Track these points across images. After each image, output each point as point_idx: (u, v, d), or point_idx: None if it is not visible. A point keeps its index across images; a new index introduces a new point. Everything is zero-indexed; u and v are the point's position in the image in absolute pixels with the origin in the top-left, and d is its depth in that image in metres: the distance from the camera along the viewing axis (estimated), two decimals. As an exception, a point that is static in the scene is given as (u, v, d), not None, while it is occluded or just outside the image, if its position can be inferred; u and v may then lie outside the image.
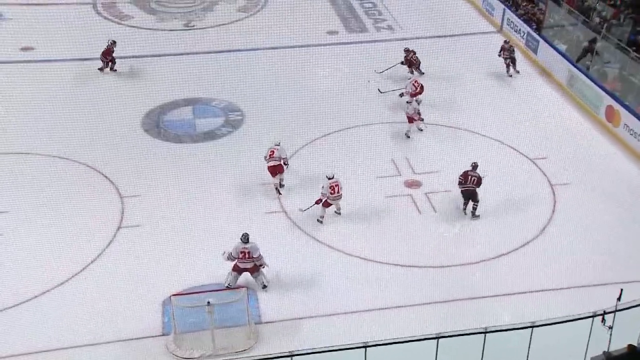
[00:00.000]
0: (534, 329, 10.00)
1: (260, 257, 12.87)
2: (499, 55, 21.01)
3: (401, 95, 19.26)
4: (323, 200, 14.59)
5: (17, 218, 14.66)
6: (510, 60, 20.95)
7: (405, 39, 22.89)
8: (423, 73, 20.70)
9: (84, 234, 14.32)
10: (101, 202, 15.20)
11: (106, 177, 16.03)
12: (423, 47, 21.53)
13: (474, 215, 14.93)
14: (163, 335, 12.07)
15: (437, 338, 9.80)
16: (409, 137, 17.88)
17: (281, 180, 15.67)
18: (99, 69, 20.43)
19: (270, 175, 15.43)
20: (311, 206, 14.70)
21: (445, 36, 23.26)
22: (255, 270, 12.93)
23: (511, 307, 12.72)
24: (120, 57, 20.80)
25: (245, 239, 12.76)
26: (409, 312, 12.60)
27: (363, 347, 9.80)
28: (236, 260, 12.80)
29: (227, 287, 12.76)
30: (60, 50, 21.03)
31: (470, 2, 26.51)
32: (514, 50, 21.02)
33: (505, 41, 21.39)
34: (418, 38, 22.84)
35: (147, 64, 20.73)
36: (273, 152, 15.40)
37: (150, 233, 14.38)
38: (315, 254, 13.98)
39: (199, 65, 20.77)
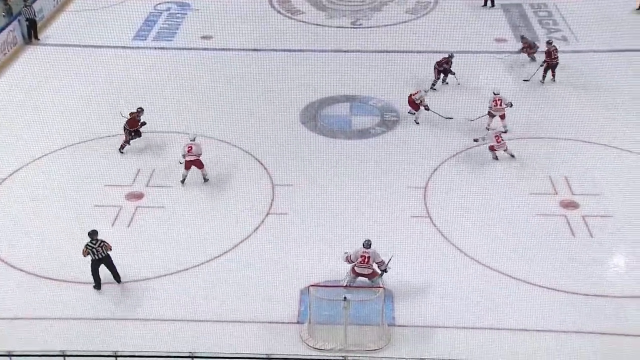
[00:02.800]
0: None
1: (382, 263, 12.65)
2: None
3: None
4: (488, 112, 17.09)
5: (178, 193, 15.75)
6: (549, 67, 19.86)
7: (579, 51, 21.60)
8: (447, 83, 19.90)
9: (236, 215, 15.08)
10: (254, 187, 15.91)
11: (261, 163, 16.75)
12: (596, 61, 20.17)
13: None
14: (298, 323, 12.40)
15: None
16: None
17: (204, 175, 15.89)
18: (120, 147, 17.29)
19: (184, 168, 15.74)
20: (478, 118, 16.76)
21: (623, 50, 21.63)
22: (373, 276, 12.74)
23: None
24: (288, 50, 21.63)
25: (367, 244, 12.64)
26: (549, 338, 11.95)
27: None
28: (354, 264, 12.71)
29: (347, 285, 12.70)
30: (235, 41, 22.37)
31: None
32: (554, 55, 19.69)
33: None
34: (594, 51, 21.46)
35: (312, 59, 21.32)
36: (191, 147, 15.64)
37: (297, 222, 14.82)
38: (458, 264, 13.66)
39: (361, 64, 21.07)
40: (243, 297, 12.95)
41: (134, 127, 17.05)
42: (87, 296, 12.94)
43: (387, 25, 24.30)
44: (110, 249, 12.82)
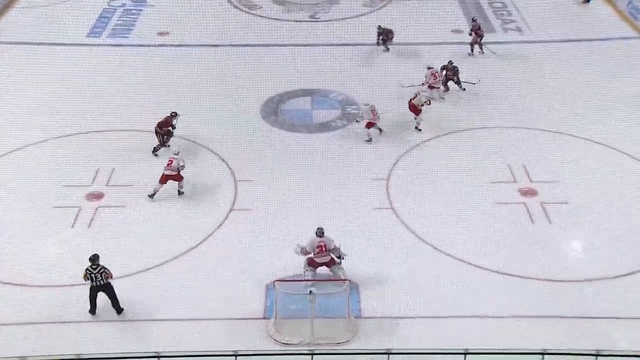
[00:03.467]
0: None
1: (337, 249, 12.74)
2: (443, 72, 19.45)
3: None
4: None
5: (139, 192, 15.50)
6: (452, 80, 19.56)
7: (534, 42, 21.99)
8: (464, 89, 19.50)
9: (198, 213, 14.94)
10: (216, 184, 15.77)
11: (223, 159, 16.61)
12: (552, 51, 20.57)
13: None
14: (264, 318, 12.34)
15: (543, 354, 9.35)
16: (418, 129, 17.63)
17: (180, 187, 15.43)
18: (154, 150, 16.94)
19: (159, 182, 15.23)
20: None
21: (578, 40, 22.11)
22: (332, 263, 12.80)
23: (629, 333, 11.92)
24: (246, 45, 21.48)
25: (320, 232, 12.69)
26: (513, 323, 12.15)
27: (463, 353, 9.53)
28: (312, 255, 12.71)
29: (311, 279, 12.66)
30: (192, 36, 22.10)
31: (611, 4, 24.99)
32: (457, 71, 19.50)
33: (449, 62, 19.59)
34: (547, 41, 21.88)
35: (271, 53, 21.21)
36: (171, 161, 15.24)
37: (260, 217, 14.74)
38: (421, 254, 13.78)
39: (320, 57, 21.06)
40: (208, 294, 12.82)
41: (164, 127, 16.73)
42: (45, 299, 12.64)
43: (345, 18, 24.34)
44: (111, 277, 12.10)
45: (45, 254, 13.80)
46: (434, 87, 18.92)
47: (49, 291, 12.83)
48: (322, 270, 12.86)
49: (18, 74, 19.79)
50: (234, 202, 15.23)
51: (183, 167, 15.33)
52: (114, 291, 12.22)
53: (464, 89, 19.33)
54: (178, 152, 15.60)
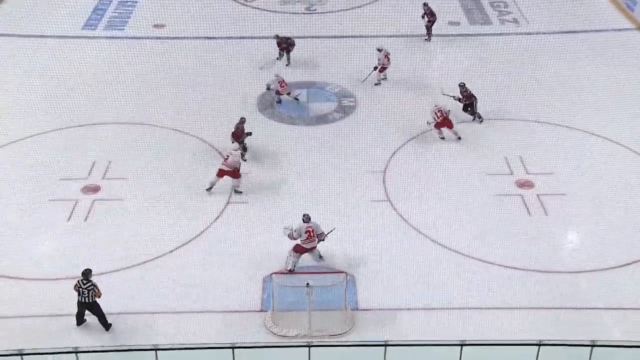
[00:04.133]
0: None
1: (322, 234, 12.94)
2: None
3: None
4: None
5: (136, 185, 15.51)
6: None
7: (530, 34, 21.96)
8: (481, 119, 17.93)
9: (195, 205, 14.92)
10: (213, 177, 15.73)
11: (220, 153, 16.58)
12: (549, 43, 20.56)
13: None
14: (262, 311, 12.37)
15: (539, 345, 9.39)
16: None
17: (236, 186, 15.10)
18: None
19: (216, 175, 15.03)
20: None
21: (575, 32, 22.10)
22: (314, 248, 13.01)
23: (624, 323, 11.98)
24: (242, 38, 21.44)
25: (307, 218, 12.85)
26: (509, 314, 12.21)
27: (460, 345, 9.58)
28: (299, 240, 12.80)
29: (290, 270, 12.81)
30: (188, 29, 22.02)
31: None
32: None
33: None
34: (544, 33, 21.86)
35: (267, 45, 21.16)
36: (228, 156, 15.01)
37: (257, 211, 14.75)
38: (419, 247, 13.81)
39: (316, 50, 21.01)
40: (205, 287, 12.84)
41: (238, 138, 16.16)
42: (42, 293, 12.64)
43: (342, 10, 24.25)
44: (99, 296, 11.72)
45: (42, 248, 13.78)
46: (385, 68, 19.44)
47: (45, 284, 12.83)
48: (305, 258, 12.94)
49: (12, 66, 19.71)
50: (230, 195, 15.23)
51: (239, 163, 15.03)
52: (100, 310, 11.85)
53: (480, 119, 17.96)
54: (238, 149, 15.39)
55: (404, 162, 16.31)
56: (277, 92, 18.51)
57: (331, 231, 13.19)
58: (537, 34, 21.99)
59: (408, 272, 13.15)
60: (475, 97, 17.69)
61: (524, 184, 15.60)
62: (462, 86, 17.67)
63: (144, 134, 17.21)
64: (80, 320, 12.00)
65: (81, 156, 16.38)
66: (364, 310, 12.38)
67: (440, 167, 16.02)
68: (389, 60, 19.37)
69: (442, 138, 17.02)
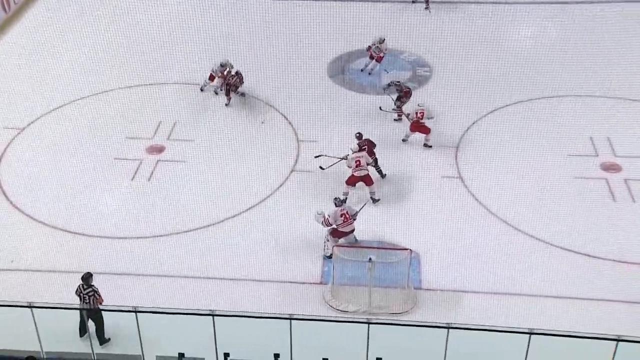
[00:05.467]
0: None
1: (356, 214, 12.80)
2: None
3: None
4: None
5: (200, 147, 15.74)
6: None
7: (627, 1, 20.82)
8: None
9: (259, 172, 15.03)
10: (278, 143, 15.83)
11: (286, 118, 16.62)
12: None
13: None
14: (321, 283, 12.43)
15: (617, 340, 9.06)
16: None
17: (372, 194, 14.07)
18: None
19: (347, 183, 13.99)
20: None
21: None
22: (352, 231, 12.86)
23: None
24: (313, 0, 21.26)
25: (339, 202, 12.73)
26: (583, 305, 11.86)
27: (528, 333, 9.35)
28: (336, 225, 12.64)
29: (329, 256, 12.63)
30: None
31: None
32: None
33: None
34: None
35: (342, 8, 20.90)
36: (359, 161, 13.84)
37: (322, 180, 14.71)
38: (490, 228, 13.53)
39: (393, 15, 20.63)
40: (265, 256, 12.99)
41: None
42: (105, 250, 13.11)
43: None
44: (101, 303, 11.04)
45: (104, 206, 14.23)
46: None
47: (106, 242, 13.28)
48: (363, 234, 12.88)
49: (83, 23, 20.22)
50: (295, 163, 15.27)
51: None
52: (102, 320, 11.15)
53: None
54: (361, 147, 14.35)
55: (479, 138, 15.92)
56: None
57: (363, 206, 13.04)
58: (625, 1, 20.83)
59: (477, 254, 12.92)
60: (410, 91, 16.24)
61: (610, 167, 14.97)
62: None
63: (210, 96, 17.41)
64: (83, 330, 11.22)
65: (147, 116, 16.75)
66: (427, 290, 12.26)
67: (518, 145, 15.52)
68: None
69: (404, 140, 15.60)
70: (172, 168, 15.26)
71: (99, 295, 11.03)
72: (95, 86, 17.84)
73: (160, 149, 15.79)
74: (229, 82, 16.94)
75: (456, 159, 15.33)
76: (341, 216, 12.69)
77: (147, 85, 17.99)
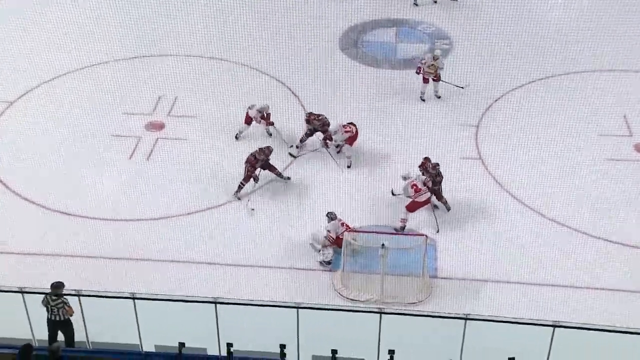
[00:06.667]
0: None
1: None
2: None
3: None
4: None
5: (204, 124, 15.79)
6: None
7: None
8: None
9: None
10: (286, 120, 15.76)
11: (294, 94, 16.58)
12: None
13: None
14: (330, 270, 12.48)
15: (644, 334, 9.08)
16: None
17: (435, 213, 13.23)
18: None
19: (408, 211, 13.13)
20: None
21: None
22: None
23: None
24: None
25: (332, 216, 12.63)
26: (612, 297, 11.86)
27: (552, 326, 9.37)
28: (338, 235, 12.53)
29: (329, 262, 12.55)
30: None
31: None
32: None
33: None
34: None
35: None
36: (416, 185, 12.99)
37: (333, 160, 14.71)
38: (511, 213, 13.52)
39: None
40: (271, 240, 13.05)
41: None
42: (102, 233, 13.19)
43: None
44: (71, 315, 10.57)
45: (101, 186, 14.28)
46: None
47: (102, 224, 13.36)
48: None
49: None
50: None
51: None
52: (73, 332, 10.73)
53: None
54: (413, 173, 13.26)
55: (502, 116, 15.84)
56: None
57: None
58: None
59: (497, 240, 12.92)
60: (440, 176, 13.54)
61: (645, 148, 14.92)
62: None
63: (213, 70, 17.39)
64: (51, 340, 10.66)
65: (147, 90, 16.71)
66: (443, 278, 12.28)
67: (544, 124, 15.47)
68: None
69: (436, 207, 13.56)
70: (173, 146, 15.30)
71: (69, 307, 10.55)
72: (90, 57, 17.85)
73: (160, 126, 15.83)
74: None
75: (476, 138, 15.28)
76: (342, 225, 12.64)
77: (146, 57, 17.99)
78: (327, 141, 14.67)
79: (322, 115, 14.83)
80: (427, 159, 13.49)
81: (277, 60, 17.55)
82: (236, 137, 15.31)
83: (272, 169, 14.09)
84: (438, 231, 13.12)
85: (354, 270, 12.21)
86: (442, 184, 13.36)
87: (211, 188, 14.11)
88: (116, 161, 14.87)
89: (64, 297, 10.58)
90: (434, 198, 13.33)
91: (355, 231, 12.64)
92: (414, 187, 13.02)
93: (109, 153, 15.07)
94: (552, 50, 17.62)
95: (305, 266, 12.56)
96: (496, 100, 16.29)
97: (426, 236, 12.17)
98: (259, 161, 13.83)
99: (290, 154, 14.84)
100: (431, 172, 13.23)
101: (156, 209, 13.67)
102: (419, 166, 13.42)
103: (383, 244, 11.59)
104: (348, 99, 16.35)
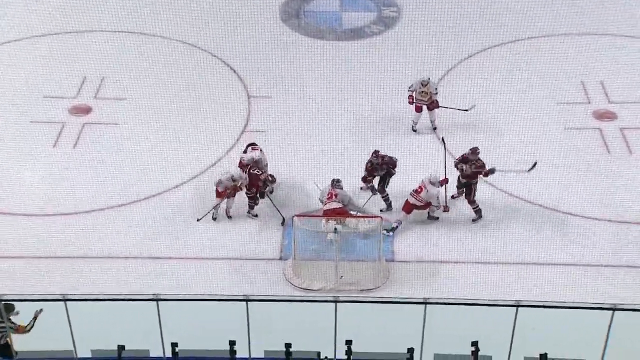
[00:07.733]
0: None
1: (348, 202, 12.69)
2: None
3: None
4: None
5: (135, 107, 15.55)
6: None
7: None
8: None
9: (204, 134, 14.87)
10: (226, 100, 15.67)
11: (234, 70, 16.46)
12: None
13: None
14: (281, 259, 12.47)
15: (613, 310, 9.32)
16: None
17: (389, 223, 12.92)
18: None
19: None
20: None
21: None
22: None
23: None
24: None
25: (335, 182, 12.65)
26: (575, 272, 12.11)
27: (514, 306, 9.54)
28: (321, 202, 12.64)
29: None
30: None
31: None
32: None
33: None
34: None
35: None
36: (331, 195, 12.61)
37: (277, 141, 14.67)
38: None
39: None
40: (215, 230, 12.96)
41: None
42: (25, 230, 12.89)
43: None
44: (21, 331, 10.19)
45: (23, 178, 13.96)
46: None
47: (25, 221, 13.05)
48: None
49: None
50: (247, 123, 15.20)
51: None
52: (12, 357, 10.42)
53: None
54: (340, 181, 12.83)
55: (455, 86, 16.00)
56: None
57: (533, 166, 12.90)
58: None
59: (455, 220, 13.08)
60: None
61: (604, 115, 15.27)
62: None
63: (143, 46, 17.13)
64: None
65: (69, 70, 16.33)
66: (401, 262, 12.38)
67: (499, 91, 15.66)
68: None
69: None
70: (101, 132, 15.02)
71: (16, 327, 10.17)
72: (3, 34, 17.33)
73: (86, 110, 15.53)
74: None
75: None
76: (330, 197, 12.51)
77: (68, 33, 17.54)
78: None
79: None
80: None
81: (211, 34, 17.35)
82: (213, 218, 13.30)
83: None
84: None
85: (305, 258, 12.21)
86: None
87: (146, 176, 13.90)
88: (38, 151, 14.51)
89: (12, 322, 10.21)
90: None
91: (306, 215, 12.61)
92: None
93: (28, 142, 14.68)
94: (506, 14, 17.86)
95: (253, 255, 12.50)
96: (449, 71, 16.44)
97: (381, 218, 12.23)
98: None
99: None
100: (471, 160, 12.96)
101: (86, 201, 13.40)
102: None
103: (335, 228, 11.61)
104: (290, 74, 16.16)
